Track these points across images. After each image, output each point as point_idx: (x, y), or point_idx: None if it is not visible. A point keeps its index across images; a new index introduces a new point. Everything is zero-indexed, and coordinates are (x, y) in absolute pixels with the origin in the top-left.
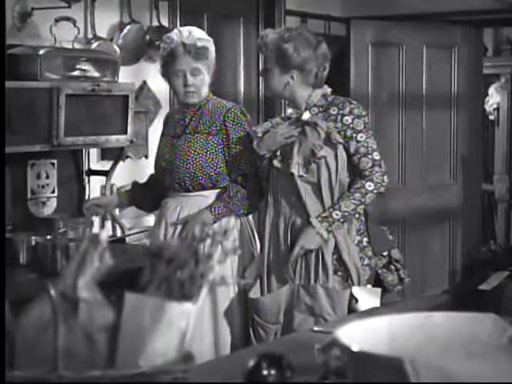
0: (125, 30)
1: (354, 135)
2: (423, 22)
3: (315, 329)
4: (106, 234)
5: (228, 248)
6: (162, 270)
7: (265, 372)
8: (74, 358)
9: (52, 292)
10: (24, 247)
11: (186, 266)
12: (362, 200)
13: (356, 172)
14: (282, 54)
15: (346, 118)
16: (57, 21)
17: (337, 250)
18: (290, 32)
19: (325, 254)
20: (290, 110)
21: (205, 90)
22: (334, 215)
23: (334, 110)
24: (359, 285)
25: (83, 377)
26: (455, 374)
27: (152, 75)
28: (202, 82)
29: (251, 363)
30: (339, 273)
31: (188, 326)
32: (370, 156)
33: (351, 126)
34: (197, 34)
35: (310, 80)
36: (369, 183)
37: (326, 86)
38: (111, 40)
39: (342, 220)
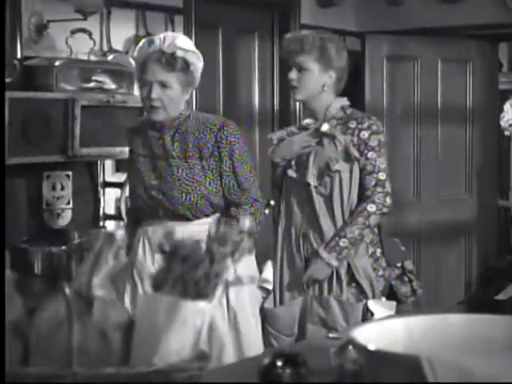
0: (140, 43)
1: (366, 152)
2: (438, 36)
3: (330, 335)
4: (121, 232)
5: (244, 247)
6: (177, 268)
7: (280, 370)
8: (88, 355)
9: (67, 290)
10: (39, 258)
11: (200, 264)
12: (366, 223)
13: (360, 190)
14: (325, 53)
15: (363, 132)
16: (73, 33)
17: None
18: (328, 34)
19: (339, 266)
20: (306, 120)
21: (177, 107)
22: (340, 243)
23: (352, 124)
24: (373, 296)
25: (97, 374)
26: (473, 371)
27: None
28: (170, 98)
29: (266, 361)
30: (353, 284)
31: (203, 324)
32: (374, 175)
33: (366, 141)
34: (180, 43)
35: (338, 87)
36: (370, 205)
37: (345, 99)
38: (127, 53)
39: (349, 246)
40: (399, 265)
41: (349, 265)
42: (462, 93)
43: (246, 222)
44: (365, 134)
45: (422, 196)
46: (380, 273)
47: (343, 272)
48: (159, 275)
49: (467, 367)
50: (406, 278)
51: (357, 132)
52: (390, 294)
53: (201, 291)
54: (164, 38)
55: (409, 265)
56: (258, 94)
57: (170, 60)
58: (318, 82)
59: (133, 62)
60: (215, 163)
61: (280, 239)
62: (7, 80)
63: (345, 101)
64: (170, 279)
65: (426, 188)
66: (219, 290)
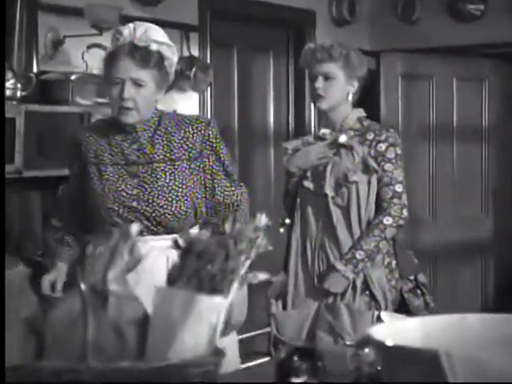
0: None
1: (383, 164)
2: (453, 55)
3: (347, 343)
4: (136, 227)
5: (260, 244)
6: (193, 263)
7: (296, 363)
8: (103, 350)
9: (82, 285)
10: None
11: (216, 259)
12: (382, 235)
13: (376, 202)
14: (350, 61)
15: (381, 144)
16: (88, 48)
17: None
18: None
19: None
20: (323, 130)
21: (150, 108)
22: (357, 255)
23: (370, 136)
24: (386, 307)
25: (112, 368)
26: (492, 366)
27: (183, 104)
28: (144, 97)
29: (283, 355)
30: (367, 292)
31: (218, 320)
32: (391, 187)
33: (383, 153)
34: (154, 35)
35: (354, 98)
36: (386, 217)
37: (361, 110)
38: None
39: (366, 259)
40: (412, 277)
41: (364, 275)
42: (477, 111)
43: (263, 219)
44: (382, 147)
45: (437, 214)
46: (393, 284)
47: (359, 282)
48: (174, 271)
49: (486, 362)
50: (418, 291)
51: (374, 144)
52: (403, 306)
53: (216, 286)
54: (134, 29)
55: (422, 278)
56: (272, 112)
57: (144, 54)
58: (343, 91)
59: None
60: (202, 164)
61: (294, 250)
62: (23, 93)
63: (361, 112)
64: (185, 275)
65: (441, 206)
66: (235, 287)
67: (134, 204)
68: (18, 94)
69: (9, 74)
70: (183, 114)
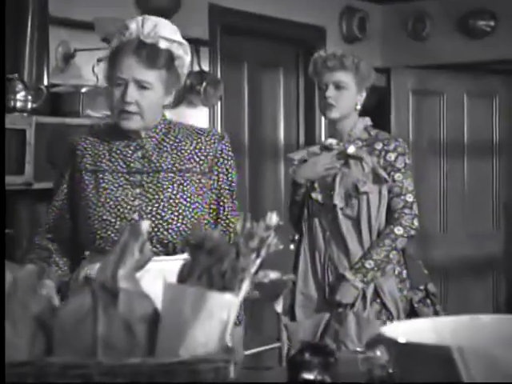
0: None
1: (392, 173)
2: (463, 71)
3: (358, 349)
4: (146, 225)
5: (270, 242)
6: (204, 260)
7: (308, 359)
8: (113, 347)
9: (92, 282)
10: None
11: (227, 257)
12: (393, 245)
13: (387, 212)
14: (359, 71)
15: (390, 154)
16: (99, 60)
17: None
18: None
19: (365, 287)
20: (329, 140)
21: (156, 113)
22: (366, 265)
23: (378, 145)
24: (398, 316)
25: (121, 364)
26: (504, 362)
27: (193, 119)
28: (149, 101)
29: (294, 351)
30: (378, 300)
31: (229, 317)
32: (402, 197)
33: (392, 163)
34: (164, 31)
35: (361, 107)
36: (397, 228)
37: (368, 118)
38: None
39: (375, 269)
40: (422, 287)
41: (375, 285)
42: (488, 127)
43: (274, 218)
44: (391, 157)
45: (448, 229)
46: (405, 293)
47: (369, 292)
48: (185, 268)
49: (498, 360)
50: (428, 301)
51: (383, 154)
52: (413, 316)
53: (227, 284)
54: (142, 23)
55: (432, 287)
56: (282, 126)
57: (151, 53)
58: (353, 101)
59: None
60: (211, 181)
61: (302, 262)
62: (34, 105)
63: (368, 121)
64: (196, 271)
65: (452, 221)
66: (246, 285)
67: (135, 216)
68: (29, 105)
69: (20, 86)
70: (190, 124)
